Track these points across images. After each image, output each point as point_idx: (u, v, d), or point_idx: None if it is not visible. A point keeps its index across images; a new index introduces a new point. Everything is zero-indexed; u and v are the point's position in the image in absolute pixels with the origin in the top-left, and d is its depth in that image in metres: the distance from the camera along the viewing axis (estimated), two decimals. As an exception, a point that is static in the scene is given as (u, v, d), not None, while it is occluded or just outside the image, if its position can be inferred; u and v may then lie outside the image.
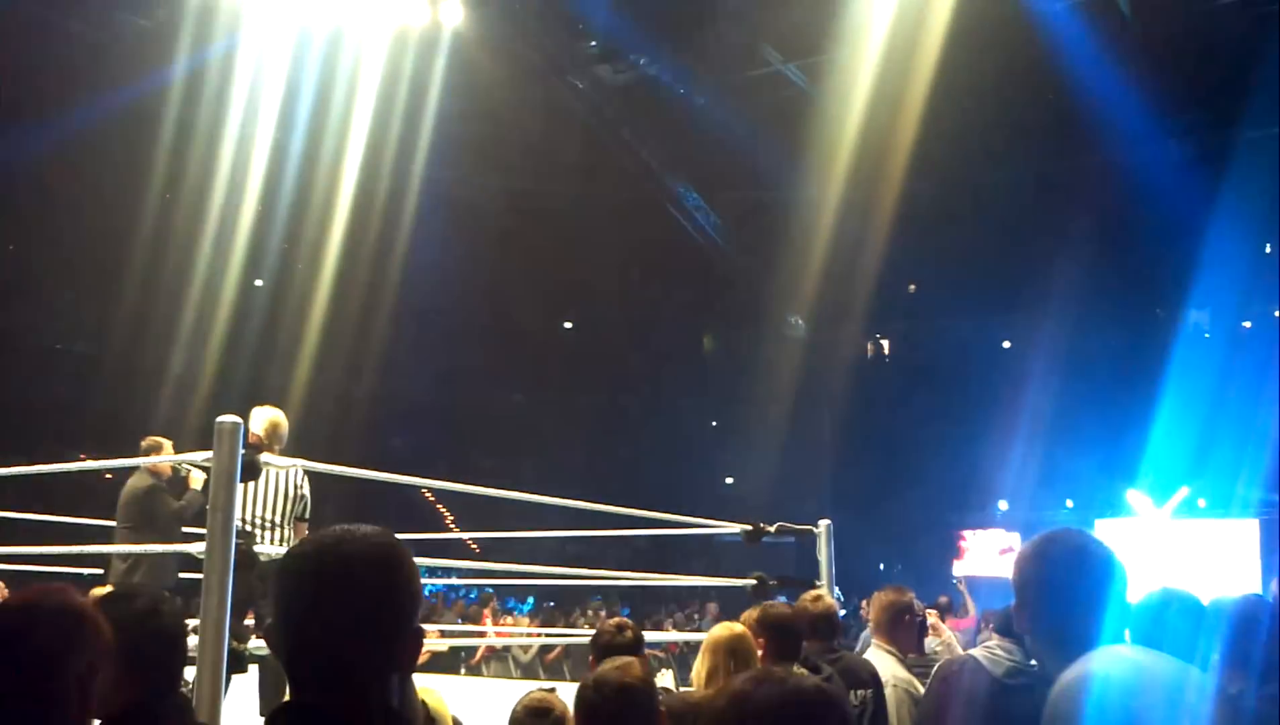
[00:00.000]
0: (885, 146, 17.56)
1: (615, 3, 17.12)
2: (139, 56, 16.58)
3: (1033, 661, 4.15)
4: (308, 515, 6.00)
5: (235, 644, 3.97)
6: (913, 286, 23.09)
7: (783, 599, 5.87)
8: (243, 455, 4.00)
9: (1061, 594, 2.19)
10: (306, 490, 5.99)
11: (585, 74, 18.31)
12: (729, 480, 24.37)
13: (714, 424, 24.84)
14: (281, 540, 5.73)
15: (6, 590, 9.68)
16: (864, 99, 16.79)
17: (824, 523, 6.82)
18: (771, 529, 6.77)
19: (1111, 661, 1.89)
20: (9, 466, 5.22)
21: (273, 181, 18.24)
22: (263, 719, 2.27)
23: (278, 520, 5.80)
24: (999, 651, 3.80)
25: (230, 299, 19.25)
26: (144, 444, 6.98)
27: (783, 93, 18.11)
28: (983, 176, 19.28)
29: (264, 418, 5.88)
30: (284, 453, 5.84)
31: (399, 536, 1.65)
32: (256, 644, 4.48)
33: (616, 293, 22.42)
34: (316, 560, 1.56)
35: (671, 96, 18.89)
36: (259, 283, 20.11)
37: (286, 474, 5.83)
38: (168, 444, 6.95)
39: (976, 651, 4.00)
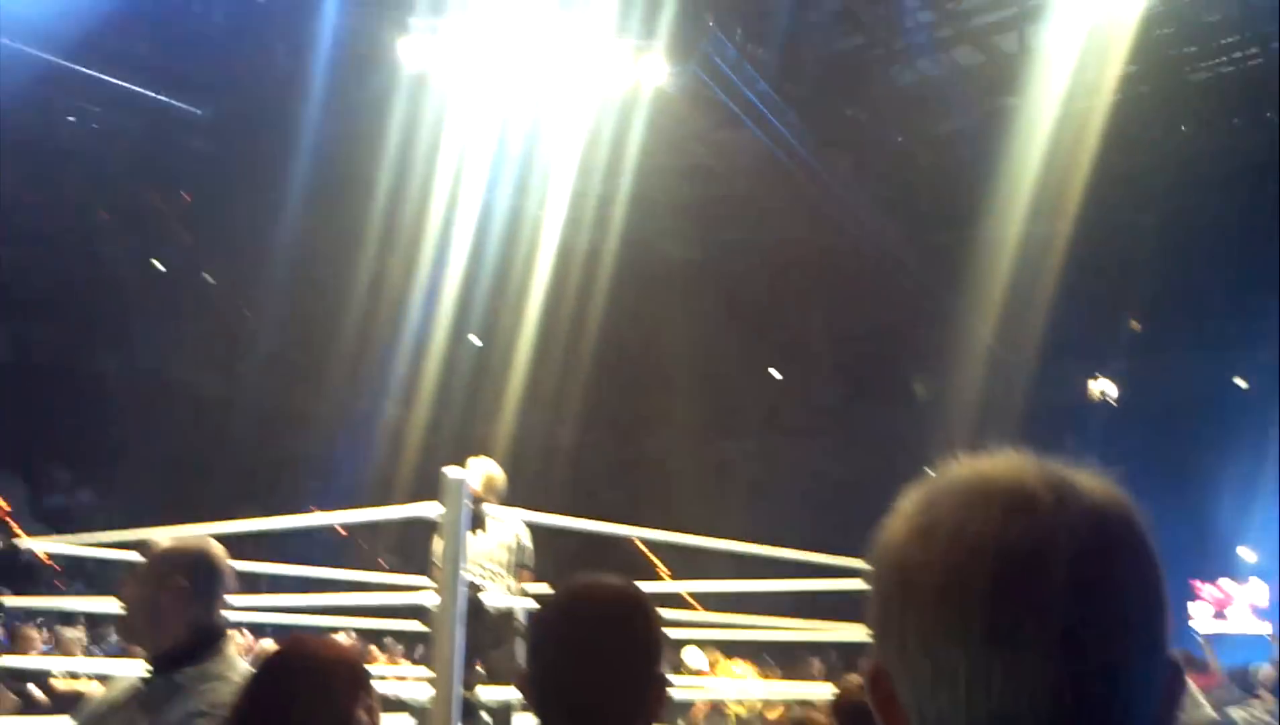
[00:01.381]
0: (1102, 178, 16.91)
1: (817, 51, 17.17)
2: (360, 133, 17.52)
3: None
4: (531, 563, 6.12)
5: (465, 692, 4.09)
6: (1136, 324, 22.06)
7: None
8: (468, 507, 4.13)
9: None
10: (528, 540, 6.11)
11: (788, 121, 18.34)
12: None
13: (928, 472, 24.19)
14: (506, 591, 5.86)
15: (252, 639, 10.24)
16: (1074, 129, 16.24)
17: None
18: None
19: None
20: (247, 519, 5.53)
21: (481, 241, 18.88)
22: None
23: (501, 571, 5.94)
24: (1265, 716, 3.56)
25: (446, 355, 20.00)
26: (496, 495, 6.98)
27: (988, 128, 17.71)
28: (1209, 207, 18.31)
29: (482, 470, 6.04)
30: (503, 504, 6.00)
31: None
32: (484, 691, 4.60)
33: (825, 339, 22.22)
34: (568, 610, 1.62)
35: (873, 139, 18.72)
36: (473, 338, 20.81)
37: (509, 525, 5.97)
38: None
39: (1236, 714, 3.76)
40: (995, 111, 16.94)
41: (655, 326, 21.45)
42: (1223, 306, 19.59)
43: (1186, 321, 20.08)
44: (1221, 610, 20.11)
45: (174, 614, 2.51)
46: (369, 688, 1.99)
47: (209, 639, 2.56)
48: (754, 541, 5.94)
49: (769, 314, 21.86)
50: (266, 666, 2.00)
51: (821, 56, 17.26)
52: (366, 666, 2.02)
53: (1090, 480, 0.93)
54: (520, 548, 6.01)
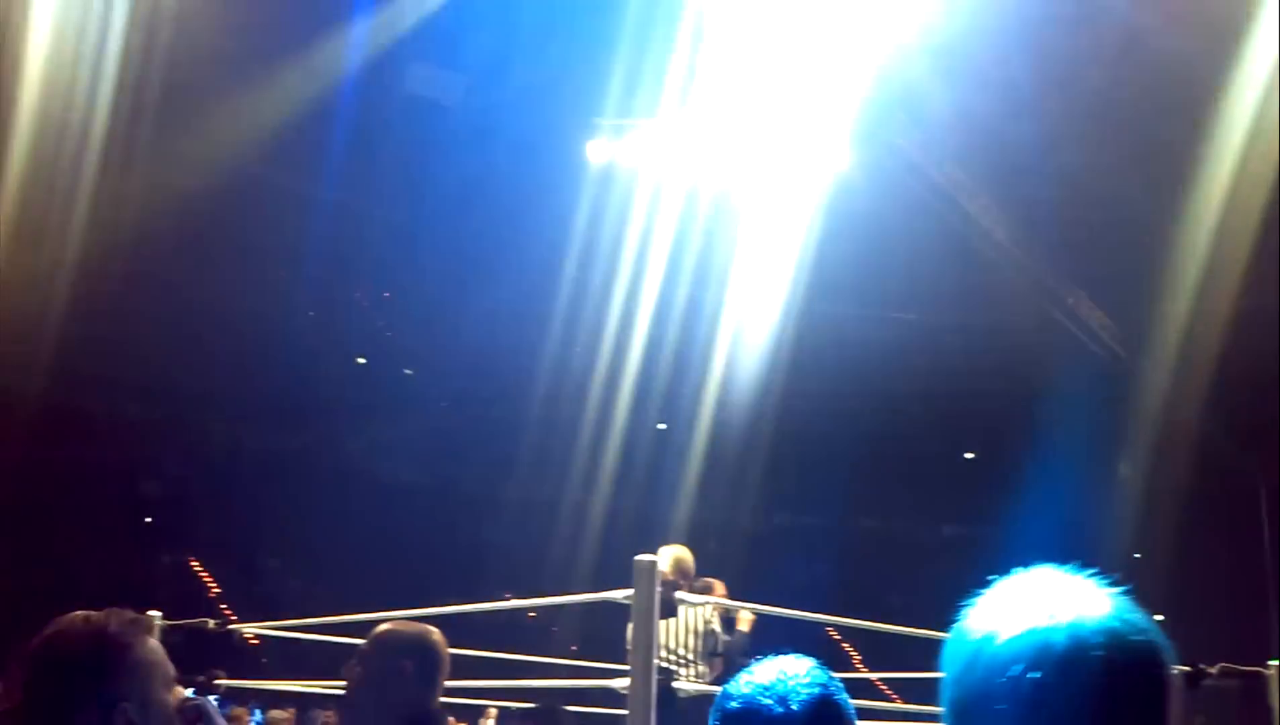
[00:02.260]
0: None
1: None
2: (545, 227, 18.11)
3: None
4: (721, 650, 6.09)
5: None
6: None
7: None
8: (659, 593, 4.16)
9: None
10: (717, 626, 6.09)
11: (975, 201, 18.08)
12: (1158, 618, 22.48)
13: (1136, 556, 23.06)
14: (697, 676, 5.84)
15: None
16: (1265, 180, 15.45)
17: (1276, 663, 6.12)
18: (1213, 670, 6.15)
19: None
20: (446, 605, 5.67)
21: (660, 328, 19.12)
22: None
23: (692, 657, 5.92)
24: None
25: (635, 441, 20.23)
26: (698, 584, 7.14)
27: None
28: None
29: (670, 555, 6.07)
30: (692, 589, 6.00)
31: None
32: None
33: (1018, 418, 21.54)
34: (749, 702, 1.58)
35: (1058, 215, 18.23)
36: (662, 426, 21.00)
37: (697, 611, 5.96)
38: (719, 585, 7.07)
39: None
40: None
41: (841, 409, 21.24)
42: None
43: None
44: None
45: (397, 697, 2.60)
46: None
47: (427, 723, 2.66)
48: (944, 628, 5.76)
49: (959, 397, 21.37)
50: None
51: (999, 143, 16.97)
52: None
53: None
54: (710, 633, 6.00)
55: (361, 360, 23.13)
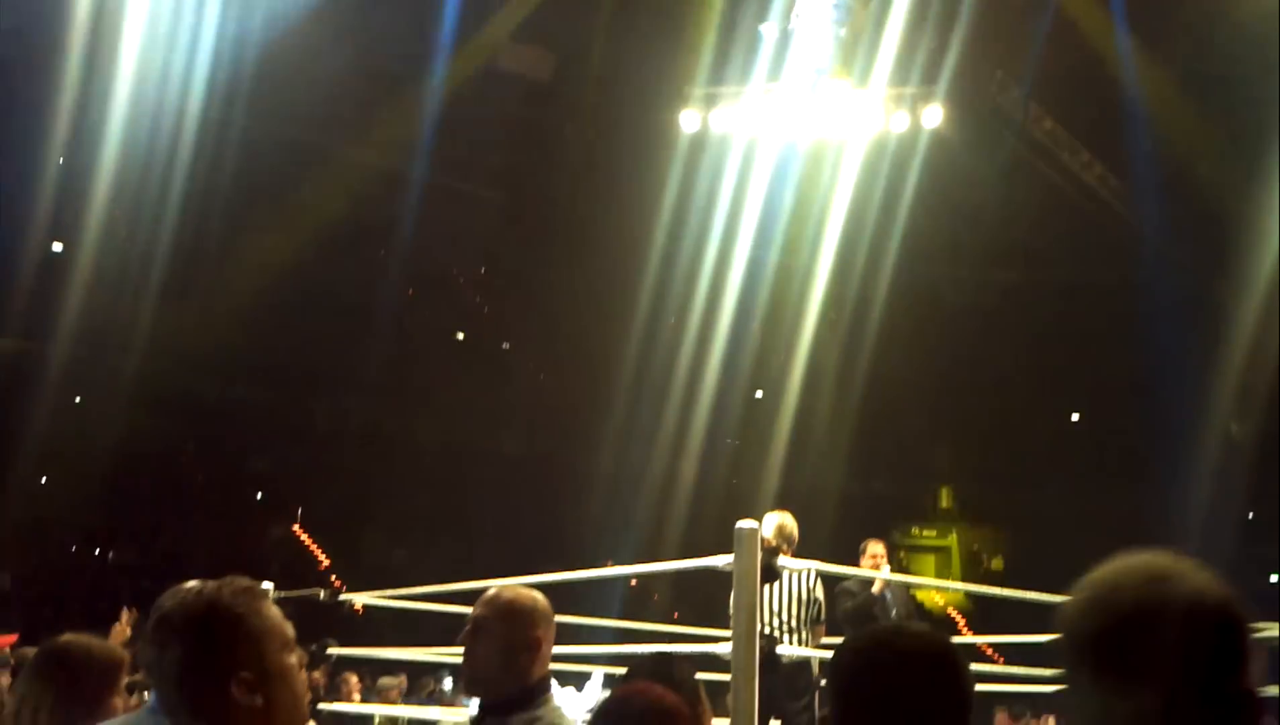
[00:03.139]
0: None
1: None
2: (620, 189, 18.13)
3: None
4: (823, 618, 6.09)
5: (763, 743, 4.11)
6: None
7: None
8: (761, 558, 4.17)
9: None
10: (820, 594, 6.09)
11: (1076, 159, 17.66)
12: (1274, 578, 21.86)
13: (1250, 516, 22.43)
14: (799, 643, 5.85)
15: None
16: None
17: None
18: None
19: None
20: (549, 573, 5.76)
21: (750, 293, 19.03)
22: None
23: (794, 624, 5.94)
24: None
25: (733, 409, 20.21)
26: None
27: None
28: None
29: (774, 522, 6.07)
30: (795, 556, 6.01)
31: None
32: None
33: (1124, 380, 21.05)
34: (874, 658, 1.58)
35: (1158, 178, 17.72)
36: (759, 394, 20.94)
37: (800, 577, 5.97)
38: (875, 545, 7.07)
39: None
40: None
41: (940, 371, 20.97)
42: None
43: None
44: None
45: (517, 663, 2.65)
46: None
47: (541, 688, 2.71)
48: (1054, 591, 5.68)
49: (1060, 355, 20.94)
50: (612, 708, 2.10)
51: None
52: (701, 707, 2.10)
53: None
54: (814, 601, 6.00)
55: (460, 336, 23.47)
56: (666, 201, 17.81)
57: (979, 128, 16.63)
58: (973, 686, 1.58)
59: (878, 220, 18.10)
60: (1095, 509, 22.22)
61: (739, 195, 17.40)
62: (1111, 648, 1.14)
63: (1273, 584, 21.93)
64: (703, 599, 14.33)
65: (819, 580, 6.08)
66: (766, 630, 5.73)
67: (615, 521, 20.23)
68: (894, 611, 6.61)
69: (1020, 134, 17.28)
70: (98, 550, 20.05)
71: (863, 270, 19.21)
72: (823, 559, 5.65)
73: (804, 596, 6.00)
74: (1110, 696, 1.14)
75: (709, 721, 2.18)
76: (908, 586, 7.15)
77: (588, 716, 2.45)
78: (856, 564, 6.73)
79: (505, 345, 24.16)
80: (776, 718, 5.17)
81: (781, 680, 4.98)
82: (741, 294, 19.00)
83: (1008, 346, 20.86)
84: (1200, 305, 19.76)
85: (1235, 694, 1.13)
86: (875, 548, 6.87)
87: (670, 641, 8.58)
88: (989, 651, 16.79)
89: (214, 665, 1.80)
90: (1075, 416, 23.96)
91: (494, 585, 2.85)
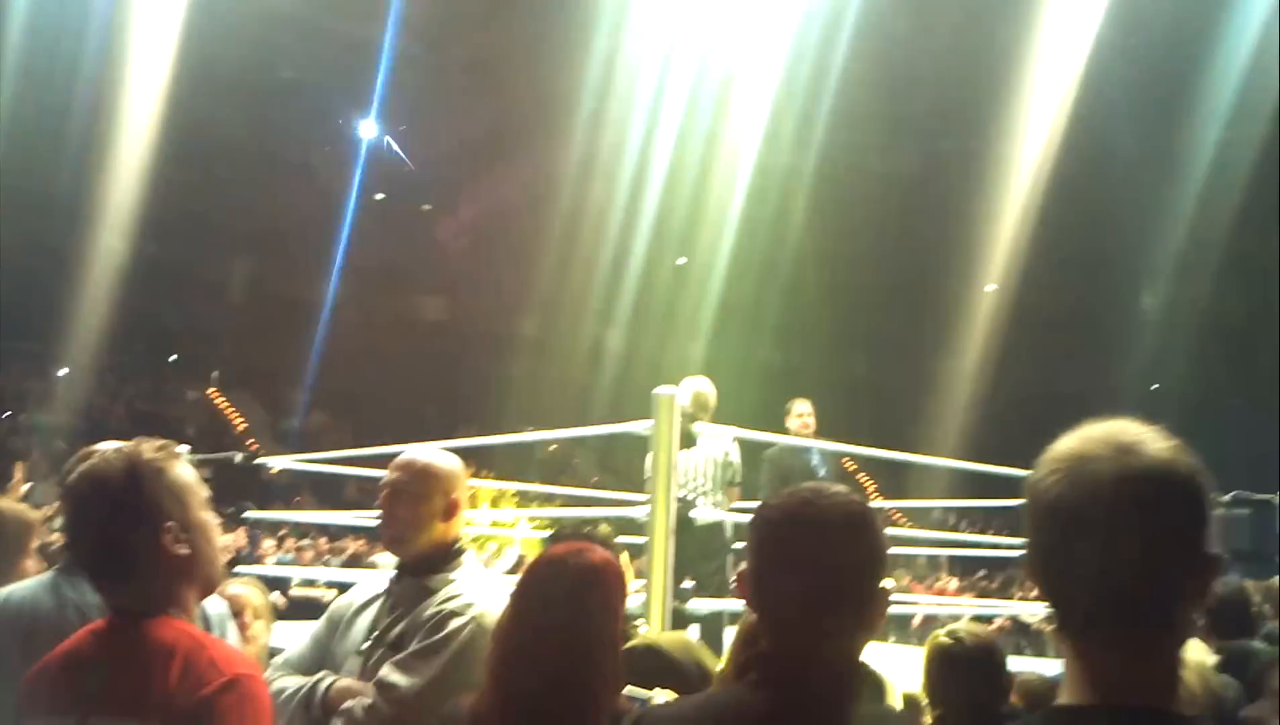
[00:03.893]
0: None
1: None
2: (548, 50, 17.69)
3: None
4: (738, 480, 6.19)
5: (677, 603, 4.20)
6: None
7: (1235, 577, 5.42)
8: (679, 424, 4.21)
9: None
10: (737, 458, 6.17)
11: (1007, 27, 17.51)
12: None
13: (1154, 387, 23.17)
14: (714, 505, 5.95)
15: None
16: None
17: (1288, 492, 6.21)
18: (1226, 498, 6.25)
19: None
20: (469, 438, 5.77)
21: (682, 161, 18.88)
22: (717, 674, 2.39)
23: (710, 487, 6.03)
24: None
25: (657, 278, 20.21)
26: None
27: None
28: None
29: (692, 388, 6.10)
30: (713, 422, 6.07)
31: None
32: (695, 604, 4.71)
33: (1046, 254, 21.37)
34: (793, 512, 1.59)
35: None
36: (681, 261, 20.93)
37: (718, 442, 6.04)
38: (801, 403, 7.05)
39: None
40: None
41: (860, 242, 21.05)
42: None
43: None
44: None
45: (433, 525, 2.69)
46: (625, 589, 2.10)
47: (457, 549, 2.75)
48: (967, 459, 5.83)
49: (980, 227, 21.11)
50: (546, 566, 2.11)
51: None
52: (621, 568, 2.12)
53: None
54: (729, 464, 6.09)
55: (380, 196, 22.99)
56: (591, 60, 17.46)
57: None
58: (887, 548, 1.60)
59: (810, 88, 17.94)
60: (1009, 379, 22.79)
61: (666, 55, 17.14)
62: (1085, 517, 1.16)
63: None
64: (623, 464, 14.50)
65: (736, 445, 6.16)
66: (682, 494, 5.81)
67: (536, 387, 20.31)
68: (821, 472, 6.72)
69: None
70: (8, 412, 19.64)
71: (792, 139, 19.11)
72: (743, 426, 5.73)
73: (720, 459, 6.08)
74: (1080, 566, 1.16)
75: (628, 583, 2.21)
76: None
77: (511, 577, 2.47)
78: (781, 427, 6.80)
79: (426, 207, 23.75)
80: (690, 578, 5.28)
81: (696, 542, 5.07)
82: (668, 160, 18.85)
83: (933, 218, 20.95)
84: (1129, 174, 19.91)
85: (1204, 555, 1.17)
86: (802, 406, 6.94)
87: (588, 504, 8.71)
88: (897, 516, 17.35)
89: (141, 516, 1.80)
90: (990, 286, 24.29)
91: (409, 448, 2.85)
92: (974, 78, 18.18)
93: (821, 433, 6.93)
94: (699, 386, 6.15)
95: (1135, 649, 1.17)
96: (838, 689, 1.54)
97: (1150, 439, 1.20)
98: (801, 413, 6.86)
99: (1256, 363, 20.22)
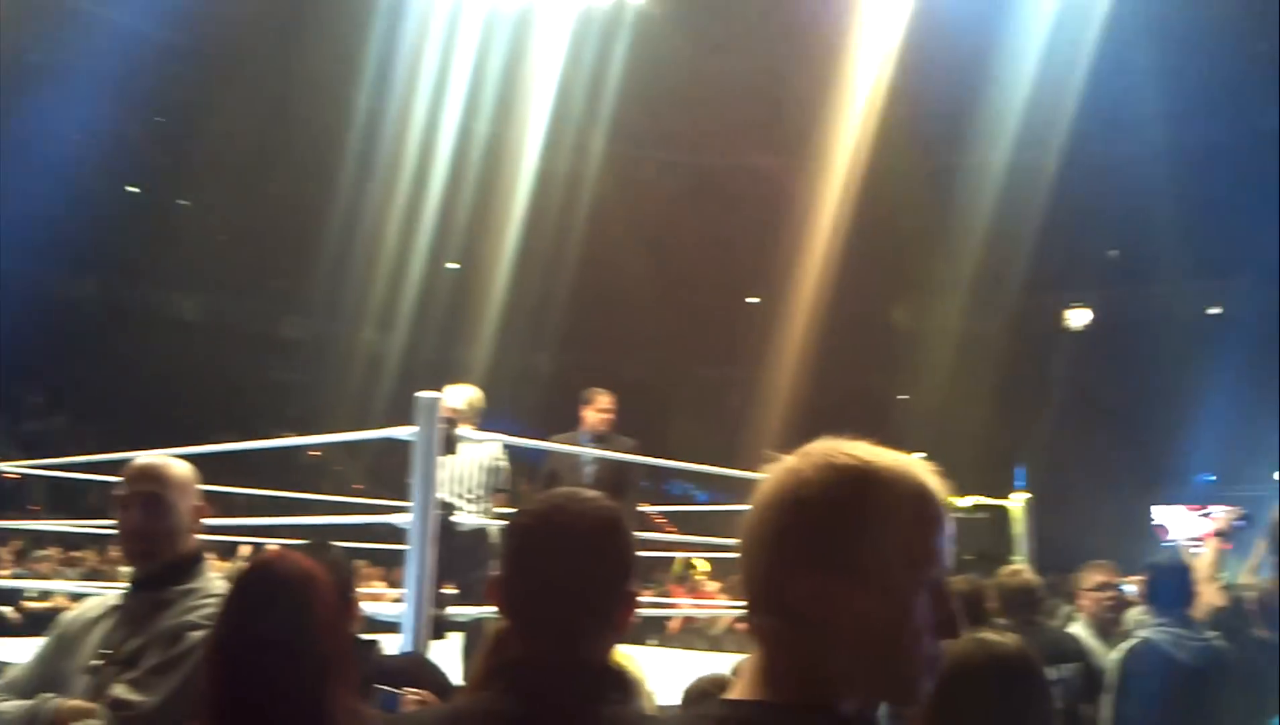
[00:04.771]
0: (1077, 108, 16.90)
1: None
2: (325, 49, 17.26)
3: (1210, 634, 4.03)
4: (507, 486, 6.16)
5: (438, 611, 4.14)
6: (1114, 252, 22.15)
7: (975, 576, 5.75)
8: (442, 429, 4.16)
9: None
10: (505, 463, 6.14)
11: (774, 49, 18.14)
12: (920, 455, 23.94)
13: (903, 397, 24.39)
14: (481, 512, 5.90)
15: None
16: (1060, 55, 16.21)
17: (1019, 497, 6.64)
18: (966, 504, 6.63)
19: None
20: (224, 443, 5.55)
21: (460, 165, 18.73)
22: (466, 682, 2.37)
23: (478, 493, 5.97)
24: (1180, 630, 3.71)
25: (423, 282, 19.93)
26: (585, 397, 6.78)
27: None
28: (1190, 136, 18.29)
29: (460, 394, 6.04)
30: (482, 428, 6.02)
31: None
32: (457, 611, 4.66)
33: (804, 266, 22.21)
34: (543, 519, 1.62)
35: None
36: (451, 265, 20.72)
37: (485, 448, 5.99)
38: (604, 397, 6.72)
39: (1150, 633, 3.91)
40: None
41: (636, 254, 21.37)
42: (1200, 236, 19.70)
43: (1163, 251, 20.21)
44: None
45: (174, 534, 2.60)
46: (351, 599, 2.03)
47: (197, 557, 2.65)
48: (737, 467, 5.95)
49: (751, 242, 21.79)
50: (251, 577, 2.02)
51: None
52: (346, 570, 2.05)
53: None
54: (496, 470, 6.05)
55: (133, 189, 21.79)
56: (368, 61, 17.12)
57: (680, 6, 16.82)
58: (634, 549, 1.64)
59: (584, 96, 18.09)
60: (769, 387, 23.52)
61: (443, 61, 16.98)
62: (805, 541, 1.15)
63: (920, 458, 23.95)
64: (388, 470, 14.23)
65: (503, 450, 6.12)
66: (447, 500, 5.74)
67: (297, 391, 19.70)
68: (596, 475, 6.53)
69: (719, 16, 17.62)
70: None
71: (569, 147, 19.22)
72: (516, 433, 5.70)
73: (488, 464, 6.04)
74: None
75: (355, 604, 2.16)
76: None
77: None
78: (559, 427, 6.68)
79: (183, 202, 22.66)
80: (453, 586, 5.22)
81: (460, 549, 5.01)
82: (443, 162, 18.64)
83: (702, 230, 21.46)
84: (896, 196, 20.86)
85: (937, 576, 1.17)
86: (605, 398, 6.63)
87: (348, 512, 8.50)
88: (660, 520, 17.64)
89: None
90: (753, 299, 25.06)
91: (141, 456, 2.73)
92: (748, 97, 18.79)
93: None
94: (465, 391, 6.10)
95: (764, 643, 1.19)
96: (585, 692, 1.55)
97: (880, 457, 1.22)
98: (604, 405, 6.61)
99: (998, 376, 21.66)
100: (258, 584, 1.98)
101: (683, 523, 18.14)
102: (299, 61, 17.56)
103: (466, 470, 5.95)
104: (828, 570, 1.14)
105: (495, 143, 18.77)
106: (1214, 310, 23.18)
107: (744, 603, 1.21)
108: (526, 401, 17.48)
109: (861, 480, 1.18)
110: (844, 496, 1.17)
